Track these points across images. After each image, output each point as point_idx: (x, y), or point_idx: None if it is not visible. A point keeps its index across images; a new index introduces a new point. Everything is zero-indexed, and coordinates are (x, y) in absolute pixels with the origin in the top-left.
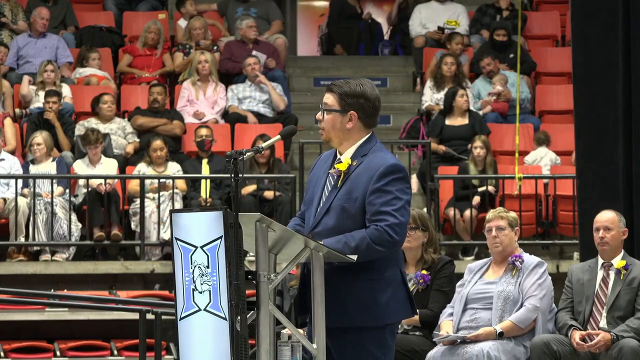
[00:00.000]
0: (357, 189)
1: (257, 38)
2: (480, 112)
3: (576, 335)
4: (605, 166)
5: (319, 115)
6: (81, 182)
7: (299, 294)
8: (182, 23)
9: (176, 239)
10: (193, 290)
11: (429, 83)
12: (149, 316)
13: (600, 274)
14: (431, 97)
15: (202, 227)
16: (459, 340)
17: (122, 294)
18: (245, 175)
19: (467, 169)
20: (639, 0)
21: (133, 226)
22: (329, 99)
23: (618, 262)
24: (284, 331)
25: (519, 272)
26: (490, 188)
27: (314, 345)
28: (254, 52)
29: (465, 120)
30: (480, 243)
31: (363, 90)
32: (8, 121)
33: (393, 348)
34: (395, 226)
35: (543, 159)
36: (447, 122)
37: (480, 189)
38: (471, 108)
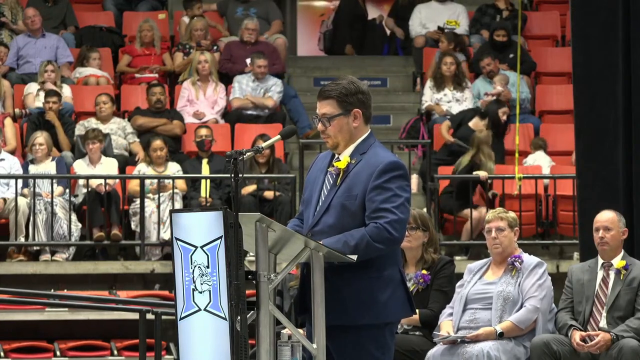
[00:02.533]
0: (357, 187)
1: (256, 39)
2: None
3: (576, 336)
4: (605, 166)
5: (320, 127)
6: (81, 182)
7: (299, 294)
8: (184, 21)
9: (176, 239)
10: (193, 290)
11: (429, 83)
12: (149, 316)
13: (600, 274)
14: (431, 97)
15: (202, 227)
16: (459, 340)
17: (122, 294)
18: (245, 175)
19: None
20: (639, 0)
21: (133, 226)
22: (327, 107)
23: (618, 262)
24: (284, 331)
25: (519, 273)
26: (482, 174)
27: (314, 345)
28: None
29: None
30: (480, 243)
31: (357, 86)
32: (8, 121)
33: (392, 348)
34: (395, 223)
35: (541, 163)
36: (471, 124)
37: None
38: (470, 106)
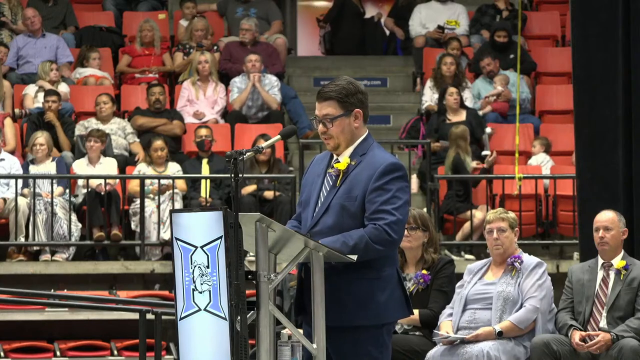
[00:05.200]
0: (357, 188)
1: (255, 39)
2: (480, 112)
3: (576, 336)
4: (605, 166)
5: (322, 128)
6: (81, 182)
7: (297, 296)
8: (183, 23)
9: (176, 239)
10: (193, 290)
11: (429, 83)
12: (149, 316)
13: (600, 274)
14: (431, 97)
15: (202, 227)
16: (458, 340)
17: (122, 294)
18: (245, 175)
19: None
20: (639, 0)
21: (133, 226)
22: (328, 108)
23: (618, 262)
24: (284, 331)
25: (519, 273)
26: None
27: (314, 345)
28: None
29: (462, 118)
30: (479, 243)
31: (356, 86)
32: (8, 121)
33: (390, 347)
34: (394, 224)
35: (543, 164)
36: (443, 119)
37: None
38: (469, 106)
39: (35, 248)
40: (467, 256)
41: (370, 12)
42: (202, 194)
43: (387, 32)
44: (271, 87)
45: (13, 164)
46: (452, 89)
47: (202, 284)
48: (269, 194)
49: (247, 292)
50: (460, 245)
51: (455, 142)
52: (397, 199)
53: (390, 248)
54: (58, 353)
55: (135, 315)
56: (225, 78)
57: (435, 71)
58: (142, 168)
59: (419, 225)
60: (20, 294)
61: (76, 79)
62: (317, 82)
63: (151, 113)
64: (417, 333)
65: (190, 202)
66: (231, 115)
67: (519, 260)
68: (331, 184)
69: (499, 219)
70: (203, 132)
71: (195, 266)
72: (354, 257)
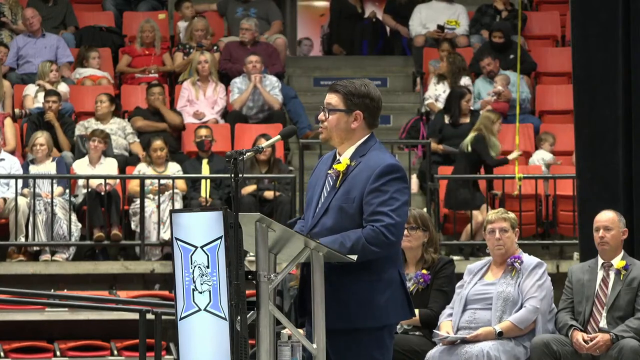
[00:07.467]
0: (355, 189)
1: (255, 39)
2: (481, 112)
3: (578, 337)
4: (605, 166)
5: (321, 116)
6: (81, 182)
7: (299, 296)
8: (182, 24)
9: (176, 239)
10: (193, 290)
11: (433, 80)
12: (149, 316)
13: (600, 274)
14: (434, 94)
15: (202, 227)
16: (458, 341)
17: (122, 294)
18: (245, 175)
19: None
20: (639, 0)
21: (133, 226)
22: (333, 98)
23: (618, 262)
24: (284, 331)
25: (519, 273)
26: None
27: (314, 346)
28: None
29: (466, 119)
30: (480, 243)
31: (368, 90)
32: (8, 121)
33: (391, 349)
34: (391, 227)
35: (539, 159)
36: (447, 121)
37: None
38: (471, 108)
39: (35, 248)
40: (472, 259)
41: (368, 12)
42: (202, 194)
43: (388, 30)
44: (272, 88)
45: (13, 164)
46: (469, 95)
47: (202, 284)
48: (269, 194)
49: (247, 292)
50: (464, 248)
51: (482, 122)
52: (395, 200)
53: (387, 250)
54: (58, 353)
55: (135, 315)
56: (225, 78)
57: (435, 69)
58: (142, 168)
59: (419, 225)
60: (20, 294)
61: (76, 79)
62: (317, 82)
63: (151, 113)
64: (417, 333)
65: (190, 202)
66: (231, 115)
67: (519, 261)
68: (331, 185)
69: (501, 219)
70: (203, 132)
71: (195, 266)
72: (354, 257)
